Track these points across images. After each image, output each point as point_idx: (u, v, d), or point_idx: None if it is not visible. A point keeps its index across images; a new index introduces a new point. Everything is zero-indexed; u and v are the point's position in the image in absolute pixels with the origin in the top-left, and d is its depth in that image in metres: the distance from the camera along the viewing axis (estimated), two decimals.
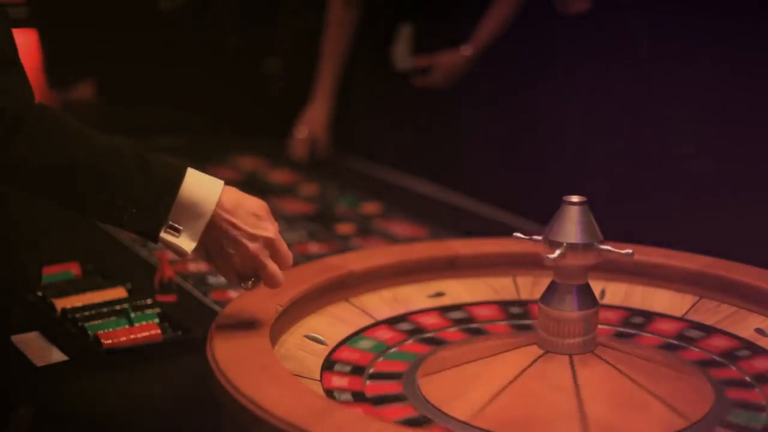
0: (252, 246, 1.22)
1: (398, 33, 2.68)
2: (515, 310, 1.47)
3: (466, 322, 1.43)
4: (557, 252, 1.21)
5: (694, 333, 1.39)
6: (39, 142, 1.14)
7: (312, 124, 2.66)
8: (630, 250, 1.23)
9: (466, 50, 2.59)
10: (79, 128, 1.17)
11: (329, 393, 1.22)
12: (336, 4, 2.72)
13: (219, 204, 1.20)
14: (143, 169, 1.18)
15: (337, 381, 1.26)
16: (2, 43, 1.15)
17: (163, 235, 1.19)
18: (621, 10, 2.13)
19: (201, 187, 1.20)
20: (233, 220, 1.21)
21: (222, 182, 1.22)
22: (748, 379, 1.26)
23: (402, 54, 2.68)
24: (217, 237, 1.21)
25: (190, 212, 1.18)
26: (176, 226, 1.18)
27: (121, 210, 1.17)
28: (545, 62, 2.51)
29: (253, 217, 1.22)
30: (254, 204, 1.23)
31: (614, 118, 2.31)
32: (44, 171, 1.15)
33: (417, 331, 1.40)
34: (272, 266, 1.25)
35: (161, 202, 1.18)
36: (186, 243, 1.19)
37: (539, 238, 1.25)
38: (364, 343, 1.35)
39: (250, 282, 1.27)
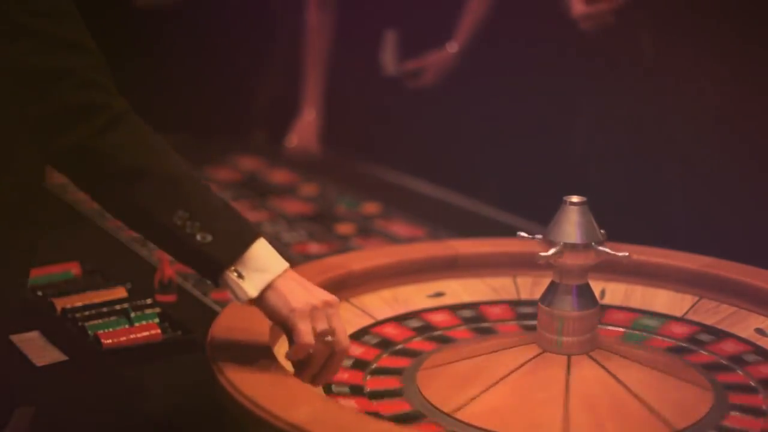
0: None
1: (384, 39, 2.71)
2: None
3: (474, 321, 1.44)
4: (551, 250, 1.21)
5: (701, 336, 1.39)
6: (134, 141, 1.16)
7: (303, 133, 2.68)
8: (626, 253, 1.23)
9: (452, 47, 2.63)
10: (170, 146, 1.20)
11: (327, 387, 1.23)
12: (312, 11, 2.74)
13: (287, 270, 1.18)
14: (228, 206, 1.19)
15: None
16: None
17: (228, 273, 1.16)
18: (626, 11, 2.13)
19: (272, 251, 1.19)
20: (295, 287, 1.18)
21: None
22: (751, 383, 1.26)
23: (390, 59, 2.71)
24: (277, 297, 1.17)
25: (257, 264, 1.16)
26: (241, 271, 1.16)
27: (194, 230, 1.15)
28: (547, 62, 2.51)
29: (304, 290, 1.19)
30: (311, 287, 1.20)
31: (615, 118, 2.31)
32: (129, 169, 1.15)
33: (422, 330, 1.40)
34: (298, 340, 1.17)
35: (240, 239, 1.17)
36: (250, 288, 1.16)
37: (541, 237, 1.25)
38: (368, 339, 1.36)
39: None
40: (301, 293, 1.17)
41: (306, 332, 1.15)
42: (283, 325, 1.17)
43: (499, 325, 1.43)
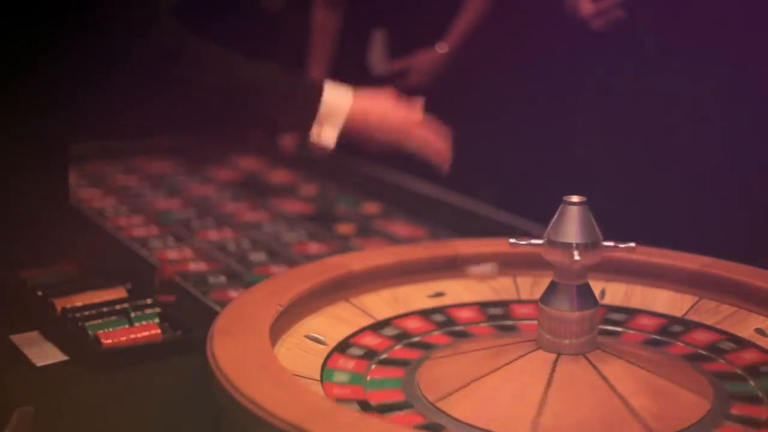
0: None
1: (372, 39, 2.71)
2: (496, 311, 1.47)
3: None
4: (523, 241, 1.24)
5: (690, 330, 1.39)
6: (203, 59, 1.49)
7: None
8: (632, 244, 1.23)
9: (442, 48, 2.62)
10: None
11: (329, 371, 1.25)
12: (320, 7, 2.74)
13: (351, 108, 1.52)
14: (295, 83, 1.53)
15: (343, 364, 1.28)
16: None
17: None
18: (627, 10, 2.13)
19: (336, 94, 1.51)
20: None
21: (351, 92, 1.54)
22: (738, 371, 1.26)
23: (378, 59, 2.71)
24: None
25: (329, 113, 1.48)
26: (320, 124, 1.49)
27: (276, 108, 1.48)
28: (546, 62, 2.51)
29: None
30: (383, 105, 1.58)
31: (615, 118, 2.31)
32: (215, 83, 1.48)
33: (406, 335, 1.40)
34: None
35: (311, 105, 1.49)
36: (330, 135, 1.47)
37: (538, 241, 1.25)
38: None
39: None
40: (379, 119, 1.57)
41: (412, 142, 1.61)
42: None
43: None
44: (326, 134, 1.48)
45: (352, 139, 1.53)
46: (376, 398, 1.21)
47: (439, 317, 1.44)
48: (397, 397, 1.21)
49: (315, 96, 1.50)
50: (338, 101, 1.49)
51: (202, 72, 1.45)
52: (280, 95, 1.49)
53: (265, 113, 1.50)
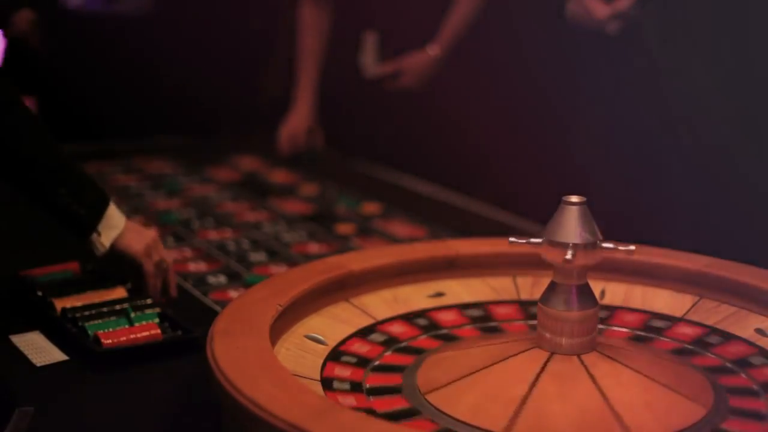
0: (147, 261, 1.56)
1: (363, 41, 2.70)
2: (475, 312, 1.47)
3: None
4: (569, 253, 1.20)
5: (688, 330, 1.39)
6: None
7: (294, 125, 2.65)
8: (632, 247, 1.23)
9: (433, 50, 2.61)
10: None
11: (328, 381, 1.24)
12: (306, 6, 2.71)
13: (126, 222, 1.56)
14: (86, 176, 1.56)
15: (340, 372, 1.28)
16: None
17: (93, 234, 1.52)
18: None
19: (117, 211, 1.56)
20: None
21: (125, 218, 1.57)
22: (754, 387, 1.26)
23: (369, 62, 2.70)
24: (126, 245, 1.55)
25: (110, 222, 1.54)
26: (100, 230, 1.53)
27: (72, 204, 1.51)
28: (548, 61, 2.51)
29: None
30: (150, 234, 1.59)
31: (615, 118, 2.31)
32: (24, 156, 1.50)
33: (423, 330, 1.40)
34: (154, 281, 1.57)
35: (101, 205, 1.54)
36: (106, 241, 1.53)
37: (537, 240, 1.25)
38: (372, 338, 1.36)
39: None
40: (138, 238, 1.55)
41: (150, 267, 1.56)
42: (132, 262, 1.55)
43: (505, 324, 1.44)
44: (101, 240, 1.53)
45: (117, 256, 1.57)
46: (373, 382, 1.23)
47: (475, 312, 1.45)
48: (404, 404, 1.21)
49: (101, 200, 1.55)
50: (118, 215, 1.56)
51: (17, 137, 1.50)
52: (69, 189, 1.52)
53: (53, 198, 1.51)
